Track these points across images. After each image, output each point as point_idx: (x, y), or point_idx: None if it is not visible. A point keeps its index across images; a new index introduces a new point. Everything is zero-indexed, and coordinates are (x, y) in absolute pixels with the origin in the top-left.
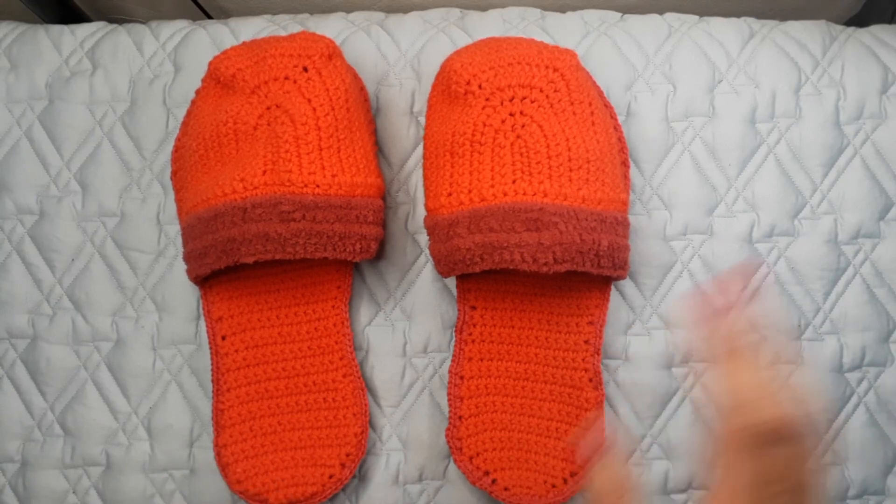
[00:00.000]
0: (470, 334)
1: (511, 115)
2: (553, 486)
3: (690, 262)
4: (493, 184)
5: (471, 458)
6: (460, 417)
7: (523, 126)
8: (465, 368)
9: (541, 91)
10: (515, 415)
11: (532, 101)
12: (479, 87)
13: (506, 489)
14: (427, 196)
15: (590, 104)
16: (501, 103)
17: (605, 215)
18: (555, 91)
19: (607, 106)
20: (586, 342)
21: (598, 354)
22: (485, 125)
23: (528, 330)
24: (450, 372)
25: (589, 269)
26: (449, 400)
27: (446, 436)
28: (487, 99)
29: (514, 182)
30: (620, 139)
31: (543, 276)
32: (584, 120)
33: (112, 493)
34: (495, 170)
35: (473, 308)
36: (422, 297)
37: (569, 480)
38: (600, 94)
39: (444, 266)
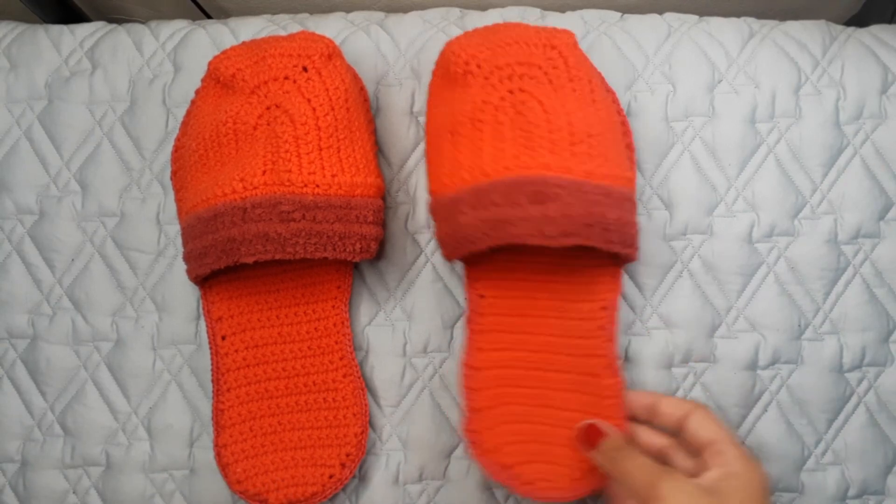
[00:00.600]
0: (479, 324)
1: (510, 91)
2: (576, 478)
3: (690, 261)
4: (494, 159)
5: (489, 453)
6: (476, 410)
7: (523, 102)
8: (476, 359)
9: (539, 68)
10: (533, 406)
11: (531, 78)
12: (478, 66)
13: (528, 483)
14: (430, 179)
15: (589, 81)
16: (500, 81)
17: (612, 189)
18: (553, 68)
19: (609, 91)
20: (600, 328)
21: (613, 341)
22: (484, 102)
23: (539, 318)
24: (463, 364)
25: (597, 244)
26: (464, 392)
27: (462, 430)
28: (486, 77)
29: (515, 157)
30: (624, 123)
31: (552, 262)
32: (583, 96)
33: (112, 493)
34: (496, 146)
35: (482, 297)
36: (422, 297)
37: (593, 471)
38: (601, 78)
39: (449, 246)
